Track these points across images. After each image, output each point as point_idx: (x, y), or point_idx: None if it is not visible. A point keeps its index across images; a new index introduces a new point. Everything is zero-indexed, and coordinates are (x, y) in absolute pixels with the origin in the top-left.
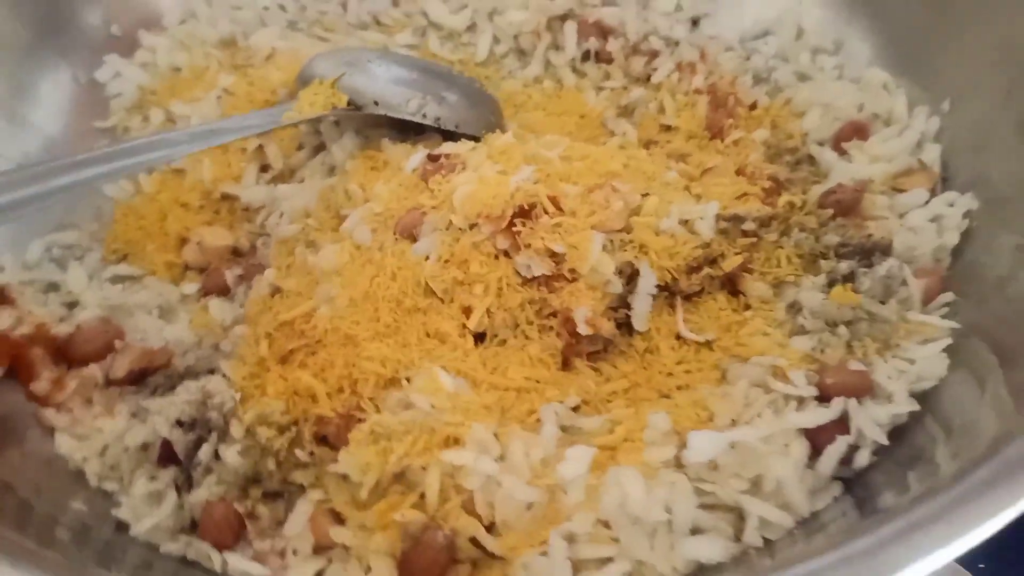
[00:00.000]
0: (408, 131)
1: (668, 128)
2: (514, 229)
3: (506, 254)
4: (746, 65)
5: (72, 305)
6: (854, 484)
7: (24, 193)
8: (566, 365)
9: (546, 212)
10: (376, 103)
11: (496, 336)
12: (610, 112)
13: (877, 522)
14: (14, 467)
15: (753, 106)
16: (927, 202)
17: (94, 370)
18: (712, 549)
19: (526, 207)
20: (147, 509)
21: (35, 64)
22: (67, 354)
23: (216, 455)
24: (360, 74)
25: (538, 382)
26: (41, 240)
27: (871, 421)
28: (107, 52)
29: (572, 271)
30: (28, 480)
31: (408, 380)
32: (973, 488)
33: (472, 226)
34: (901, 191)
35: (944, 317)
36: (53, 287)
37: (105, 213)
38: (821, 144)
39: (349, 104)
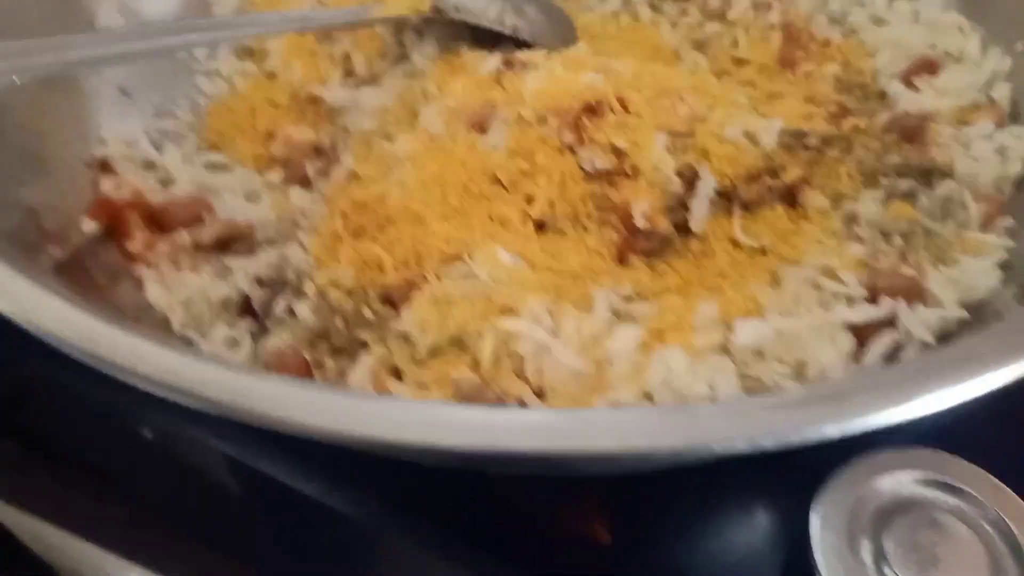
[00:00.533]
0: (487, 42)
1: (740, 61)
2: (580, 124)
3: (571, 149)
4: (822, 7)
5: (167, 183)
6: None
7: (126, 47)
8: (621, 259)
9: (612, 111)
10: (457, 8)
11: (556, 226)
12: (684, 45)
13: None
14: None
15: (826, 43)
16: (992, 135)
17: (183, 235)
18: None
19: (593, 104)
20: (225, 352)
21: None
22: (160, 220)
23: (290, 311)
24: None
25: (593, 271)
26: (141, 123)
27: (919, 322)
28: None
29: (633, 168)
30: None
31: (470, 256)
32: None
33: (540, 120)
34: (967, 125)
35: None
36: (150, 165)
37: (201, 107)
38: (890, 79)
39: (432, 9)
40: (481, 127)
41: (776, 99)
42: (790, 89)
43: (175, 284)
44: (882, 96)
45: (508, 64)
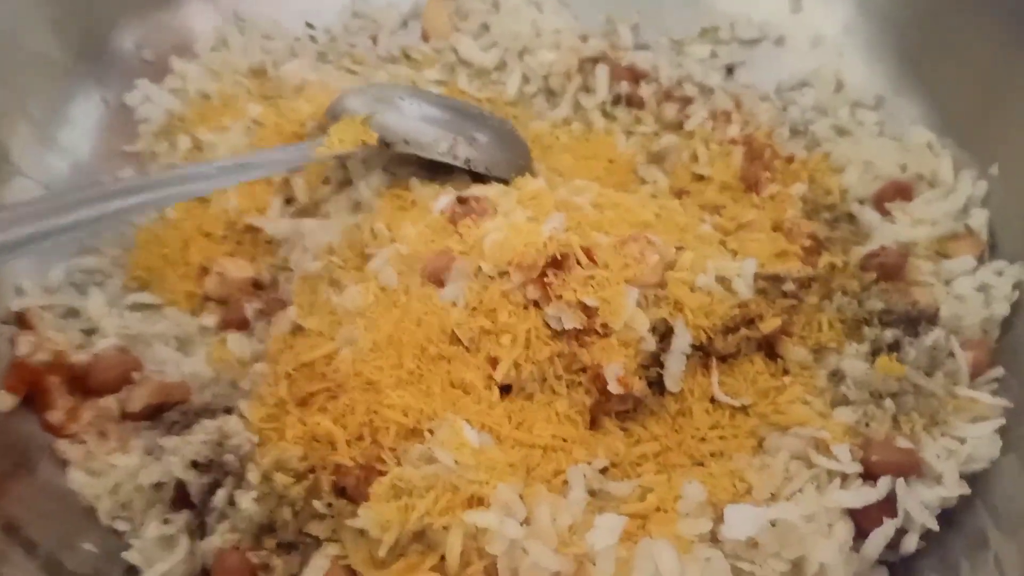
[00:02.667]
0: (437, 171)
1: (701, 178)
2: (545, 280)
3: (536, 305)
4: (782, 116)
5: (91, 332)
6: (899, 570)
7: (50, 224)
8: (594, 424)
9: (579, 263)
10: (406, 142)
11: (523, 390)
12: (640, 158)
13: None
14: (24, 501)
15: (790, 159)
16: (975, 270)
17: (110, 402)
18: None
19: (558, 257)
20: (159, 554)
21: (68, 86)
22: (84, 384)
23: (231, 501)
24: (391, 111)
25: (565, 440)
26: (63, 264)
27: (919, 503)
28: (138, 76)
29: (604, 326)
30: (37, 515)
31: (431, 432)
32: None
33: (502, 274)
34: (946, 257)
35: (993, 394)
36: (73, 312)
37: (128, 239)
38: (861, 202)
39: (379, 142)
40: (437, 280)
41: (744, 229)
42: (757, 215)
43: (102, 468)
44: (851, 218)
45: (462, 202)
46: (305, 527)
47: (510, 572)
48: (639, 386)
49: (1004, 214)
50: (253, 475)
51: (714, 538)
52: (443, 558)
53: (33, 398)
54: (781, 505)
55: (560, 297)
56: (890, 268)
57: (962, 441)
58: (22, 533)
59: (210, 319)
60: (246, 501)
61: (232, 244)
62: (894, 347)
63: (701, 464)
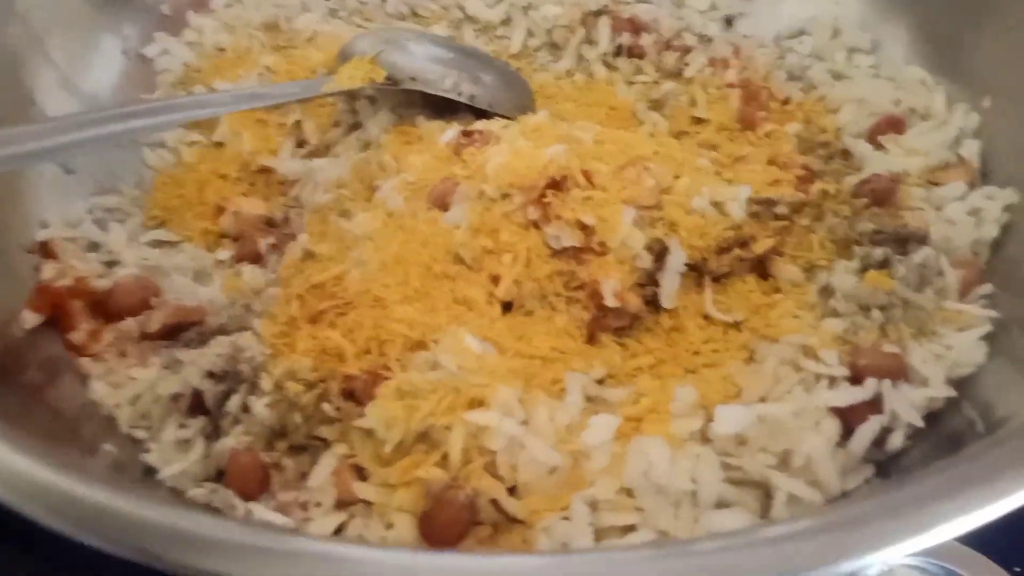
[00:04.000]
0: (443, 111)
1: (699, 120)
2: (545, 200)
3: (536, 225)
4: (780, 63)
5: (112, 264)
6: (887, 467)
7: (73, 137)
8: (592, 339)
9: (578, 185)
10: (413, 79)
11: (523, 306)
12: (641, 104)
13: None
14: (52, 412)
15: (786, 101)
16: (965, 195)
17: (130, 324)
18: (737, 523)
19: (558, 179)
20: (175, 455)
21: (91, 36)
22: (105, 307)
23: (245, 407)
24: (398, 51)
25: (563, 352)
26: (85, 202)
27: (906, 403)
28: (157, 30)
29: (601, 244)
30: (64, 425)
31: (435, 342)
32: (989, 465)
33: (504, 196)
34: (938, 185)
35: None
36: (94, 246)
37: (146, 181)
38: (856, 138)
39: (387, 79)
40: (442, 204)
41: (740, 163)
42: (752, 151)
43: (122, 380)
44: (846, 155)
45: (467, 135)
46: (315, 431)
47: (509, 467)
48: (635, 301)
49: (995, 144)
50: (266, 383)
51: (705, 438)
52: (445, 456)
53: (57, 320)
54: (769, 404)
55: (559, 217)
56: (881, 193)
57: (949, 348)
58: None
59: (225, 254)
60: (259, 407)
61: (246, 185)
62: (884, 264)
63: (694, 373)
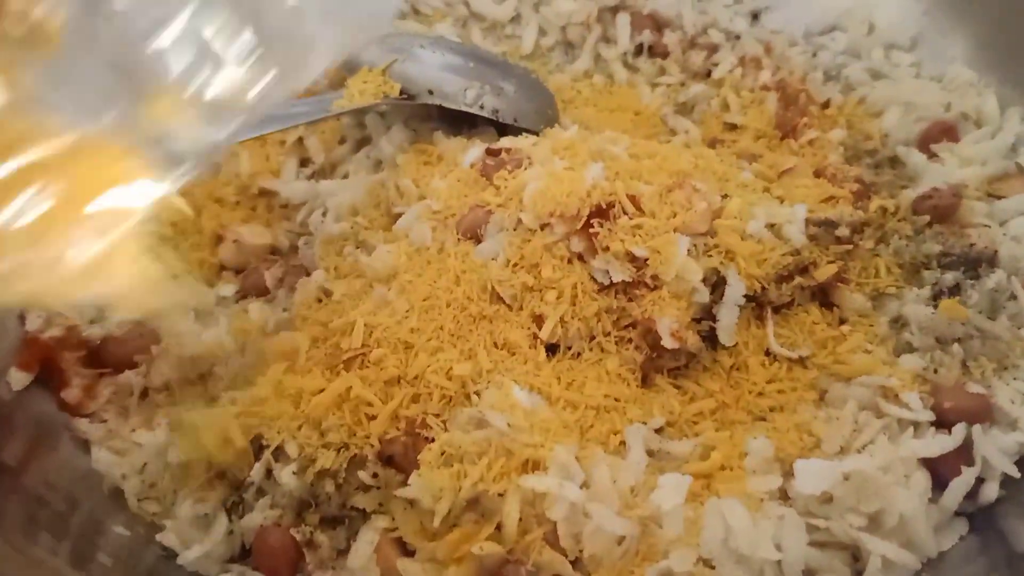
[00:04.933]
0: (459, 124)
1: (733, 127)
2: (591, 230)
3: (580, 258)
4: (814, 61)
5: (103, 306)
6: (978, 520)
7: None
8: (646, 382)
9: (624, 212)
10: (430, 92)
11: (570, 348)
12: (667, 109)
13: None
14: (48, 479)
15: (826, 104)
16: None
17: (129, 377)
18: None
19: (603, 206)
20: (195, 534)
21: None
22: (100, 359)
23: (269, 475)
24: (411, 61)
25: (618, 400)
26: None
27: (997, 450)
28: None
29: (655, 278)
30: (63, 497)
31: (477, 395)
32: None
33: (543, 226)
34: (998, 197)
35: None
36: None
37: None
38: (906, 145)
39: (402, 93)
40: (474, 235)
41: (786, 176)
42: (797, 161)
43: (126, 447)
44: (893, 162)
45: (492, 154)
46: (350, 500)
47: (572, 538)
48: (693, 340)
49: None
50: (292, 449)
51: (784, 495)
52: (499, 526)
53: (48, 376)
54: (854, 457)
55: (607, 248)
56: (944, 210)
57: None
58: (48, 513)
59: (228, 288)
60: (285, 475)
61: (246, 210)
62: (955, 291)
63: (763, 419)
